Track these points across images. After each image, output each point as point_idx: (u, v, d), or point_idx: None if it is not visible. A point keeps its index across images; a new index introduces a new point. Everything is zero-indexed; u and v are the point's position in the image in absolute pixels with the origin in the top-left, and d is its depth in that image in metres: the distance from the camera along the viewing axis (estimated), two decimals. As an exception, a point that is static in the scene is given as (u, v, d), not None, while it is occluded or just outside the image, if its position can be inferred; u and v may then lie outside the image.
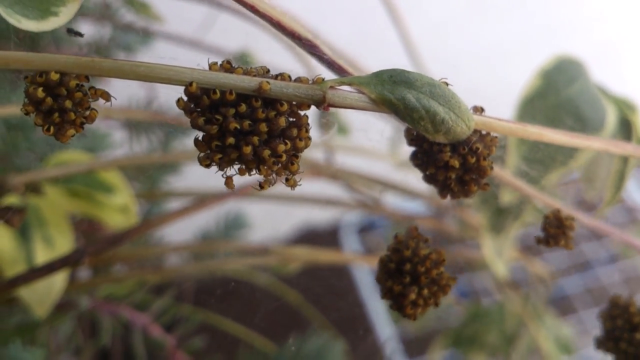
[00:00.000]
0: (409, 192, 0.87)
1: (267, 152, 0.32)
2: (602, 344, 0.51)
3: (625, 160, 0.60)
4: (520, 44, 1.48)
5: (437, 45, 1.06)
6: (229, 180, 0.34)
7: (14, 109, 0.64)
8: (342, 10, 1.36)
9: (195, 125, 0.32)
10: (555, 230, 0.45)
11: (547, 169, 0.60)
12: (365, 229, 1.67)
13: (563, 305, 1.51)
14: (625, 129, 0.62)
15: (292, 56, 0.80)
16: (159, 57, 0.34)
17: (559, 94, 0.59)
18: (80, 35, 0.36)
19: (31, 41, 0.35)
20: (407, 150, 0.40)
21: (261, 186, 0.34)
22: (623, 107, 0.63)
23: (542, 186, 0.60)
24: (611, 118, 0.60)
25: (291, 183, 0.35)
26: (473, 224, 0.92)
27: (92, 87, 0.33)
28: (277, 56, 0.67)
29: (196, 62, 0.33)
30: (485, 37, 1.52)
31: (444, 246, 0.43)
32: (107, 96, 0.33)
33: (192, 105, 0.33)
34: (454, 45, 1.45)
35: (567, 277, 1.59)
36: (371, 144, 1.03)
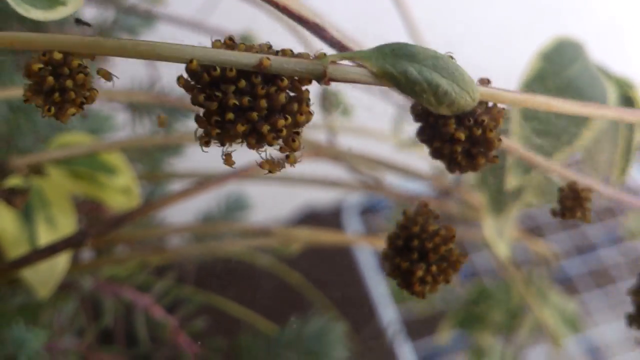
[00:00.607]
0: (411, 172, 0.87)
1: (266, 127, 0.32)
2: (635, 319, 0.49)
3: (631, 128, 0.60)
4: (523, 23, 1.47)
5: (439, 26, 1.06)
6: (228, 157, 0.34)
7: (16, 91, 0.64)
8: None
9: (195, 102, 0.33)
10: (571, 203, 0.45)
11: (552, 150, 0.60)
12: (367, 211, 1.67)
13: (565, 287, 1.51)
14: (627, 106, 0.63)
15: (295, 39, 0.80)
16: (162, 38, 0.34)
17: (560, 76, 0.60)
18: (88, 25, 0.37)
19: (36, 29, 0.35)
20: (410, 131, 0.40)
21: (260, 166, 0.34)
22: (623, 85, 0.63)
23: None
24: (612, 97, 0.61)
25: (291, 160, 0.34)
26: (475, 205, 0.92)
27: (99, 69, 0.33)
28: (281, 38, 0.67)
29: (199, 43, 0.34)
30: (487, 18, 1.52)
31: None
32: (108, 76, 0.33)
33: (193, 83, 0.33)
34: (455, 25, 1.45)
35: (569, 258, 1.59)
36: (374, 124, 1.03)
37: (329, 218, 1.68)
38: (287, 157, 0.34)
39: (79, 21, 0.37)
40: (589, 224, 1.62)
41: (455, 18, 1.46)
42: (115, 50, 0.32)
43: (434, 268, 0.40)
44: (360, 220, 1.65)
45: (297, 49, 0.35)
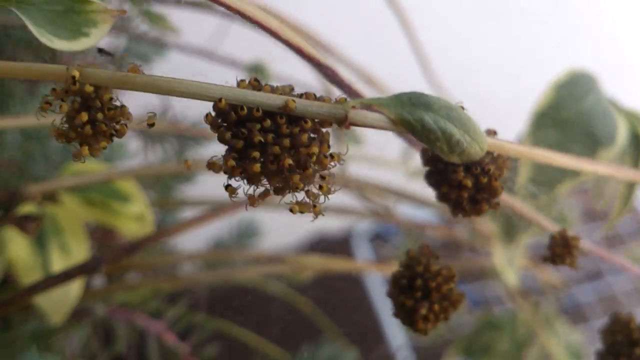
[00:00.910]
0: (420, 200, 0.87)
1: (288, 161, 0.32)
2: (603, 358, 0.52)
3: (636, 163, 0.61)
4: (533, 54, 1.48)
5: (450, 54, 1.06)
6: (251, 198, 0.34)
7: (30, 119, 0.65)
8: (354, 22, 1.36)
9: (222, 140, 0.33)
10: (561, 250, 0.46)
11: (556, 184, 0.61)
12: (377, 238, 1.67)
13: (575, 314, 1.51)
14: (635, 143, 0.63)
15: (304, 65, 0.81)
16: (175, 66, 0.35)
17: (572, 108, 0.60)
18: (111, 55, 0.37)
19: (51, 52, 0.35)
20: (419, 160, 0.41)
21: (291, 210, 0.34)
22: (634, 120, 0.64)
23: (552, 196, 0.61)
24: (622, 132, 0.61)
25: (317, 211, 0.35)
26: (484, 232, 0.92)
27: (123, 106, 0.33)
28: (290, 66, 0.67)
29: (210, 72, 0.34)
30: (498, 47, 1.52)
31: (455, 254, 0.44)
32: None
33: (219, 121, 0.33)
34: (466, 54, 1.45)
35: (579, 285, 1.58)
36: (384, 153, 1.04)
37: (339, 245, 1.68)
38: (314, 207, 0.35)
39: (101, 51, 0.38)
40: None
41: (464, 47, 1.47)
42: (146, 87, 0.32)
43: (436, 307, 0.42)
44: (369, 247, 1.65)
45: (308, 76, 0.36)
